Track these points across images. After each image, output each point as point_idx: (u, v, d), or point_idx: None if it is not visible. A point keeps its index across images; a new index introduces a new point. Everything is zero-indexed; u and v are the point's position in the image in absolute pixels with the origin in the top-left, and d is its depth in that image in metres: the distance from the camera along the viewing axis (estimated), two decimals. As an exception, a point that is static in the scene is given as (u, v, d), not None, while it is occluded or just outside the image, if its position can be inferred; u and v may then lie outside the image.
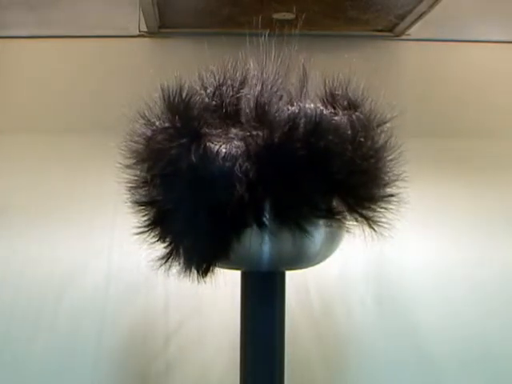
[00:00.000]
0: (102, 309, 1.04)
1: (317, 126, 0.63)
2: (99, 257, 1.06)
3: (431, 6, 0.99)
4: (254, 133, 0.63)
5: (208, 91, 0.68)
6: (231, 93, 0.67)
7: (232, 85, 0.68)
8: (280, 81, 0.67)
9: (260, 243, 0.66)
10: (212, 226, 0.64)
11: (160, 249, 0.70)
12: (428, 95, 1.17)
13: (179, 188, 0.64)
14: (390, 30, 1.14)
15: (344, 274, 1.07)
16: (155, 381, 1.02)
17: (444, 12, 1.00)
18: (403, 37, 1.16)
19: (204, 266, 0.67)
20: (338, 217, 0.66)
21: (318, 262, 0.72)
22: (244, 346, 0.74)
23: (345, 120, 0.65)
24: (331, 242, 0.71)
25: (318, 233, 0.67)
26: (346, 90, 0.70)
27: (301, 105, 0.64)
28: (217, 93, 0.68)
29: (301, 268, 0.73)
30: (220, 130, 0.65)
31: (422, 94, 1.16)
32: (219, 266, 0.72)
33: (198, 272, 0.67)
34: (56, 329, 1.03)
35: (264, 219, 0.64)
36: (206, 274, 0.68)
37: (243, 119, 0.65)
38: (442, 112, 1.16)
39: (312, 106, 0.64)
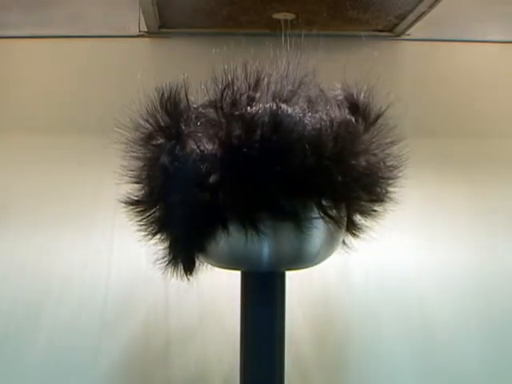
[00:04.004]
0: (102, 311, 1.04)
1: (276, 126, 0.62)
2: (99, 258, 1.06)
3: (431, 6, 0.99)
4: (219, 134, 0.63)
5: (203, 91, 0.69)
6: (223, 93, 0.67)
7: (228, 85, 0.67)
8: (268, 81, 0.67)
9: (229, 244, 0.66)
10: (185, 226, 0.66)
11: (159, 248, 0.71)
12: (428, 95, 1.17)
13: (157, 189, 0.67)
14: (390, 30, 1.14)
15: (344, 274, 1.07)
16: (156, 380, 1.03)
17: (444, 12, 1.00)
18: (403, 37, 1.16)
19: (186, 265, 0.70)
20: (300, 218, 0.64)
21: (317, 263, 0.72)
22: (244, 346, 0.74)
23: (316, 120, 0.64)
24: (331, 242, 0.71)
25: (317, 233, 0.67)
26: (346, 90, 0.70)
27: (261, 105, 0.64)
28: (211, 93, 0.68)
29: (300, 268, 0.73)
30: (199, 132, 0.65)
31: (422, 93, 1.16)
32: (219, 267, 0.72)
33: (184, 269, 0.70)
34: (56, 329, 1.03)
35: (226, 221, 0.64)
36: (190, 272, 0.71)
37: (221, 120, 0.65)
38: (441, 112, 1.16)
39: (274, 105, 0.64)
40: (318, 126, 0.64)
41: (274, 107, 0.63)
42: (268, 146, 0.62)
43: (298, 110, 0.64)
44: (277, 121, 0.62)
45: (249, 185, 0.62)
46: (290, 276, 0.75)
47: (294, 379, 0.99)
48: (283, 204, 0.63)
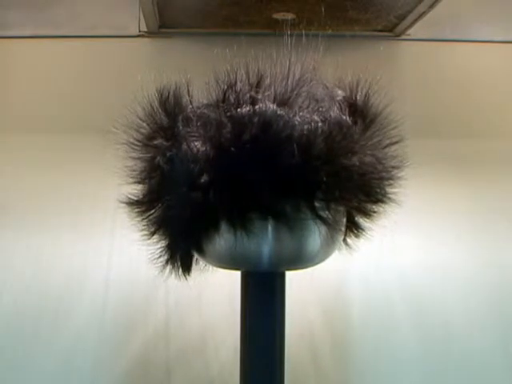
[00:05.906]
0: (102, 310, 1.04)
1: (266, 126, 0.62)
2: (99, 258, 1.06)
3: (431, 6, 0.99)
4: (212, 134, 0.63)
5: (203, 91, 0.69)
6: (226, 93, 0.66)
7: (230, 86, 0.67)
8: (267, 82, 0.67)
9: (226, 244, 0.66)
10: (181, 226, 0.67)
11: (158, 247, 0.72)
12: (428, 95, 1.17)
13: (155, 189, 0.67)
14: (390, 30, 1.14)
15: (345, 274, 1.07)
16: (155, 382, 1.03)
17: (444, 12, 1.00)
18: (403, 37, 1.16)
19: (183, 265, 0.71)
20: (291, 219, 0.64)
21: (318, 262, 0.72)
22: (244, 346, 0.74)
23: (307, 120, 0.63)
24: (330, 242, 0.70)
25: (316, 234, 0.67)
26: (345, 90, 0.70)
27: (251, 106, 0.64)
28: (212, 93, 0.68)
29: (301, 268, 0.73)
30: (196, 132, 0.65)
31: (422, 94, 1.16)
32: (220, 267, 0.72)
33: (181, 269, 0.71)
34: (55, 330, 1.03)
35: (217, 221, 0.64)
36: (188, 271, 0.72)
37: (217, 120, 0.65)
38: (441, 112, 1.16)
39: (264, 106, 0.63)
40: (308, 126, 0.63)
41: (264, 108, 0.63)
42: (257, 147, 0.62)
43: (287, 110, 0.64)
44: (266, 121, 0.62)
45: (238, 185, 0.62)
46: (291, 275, 0.75)
47: (294, 379, 0.99)
48: (273, 204, 0.63)
